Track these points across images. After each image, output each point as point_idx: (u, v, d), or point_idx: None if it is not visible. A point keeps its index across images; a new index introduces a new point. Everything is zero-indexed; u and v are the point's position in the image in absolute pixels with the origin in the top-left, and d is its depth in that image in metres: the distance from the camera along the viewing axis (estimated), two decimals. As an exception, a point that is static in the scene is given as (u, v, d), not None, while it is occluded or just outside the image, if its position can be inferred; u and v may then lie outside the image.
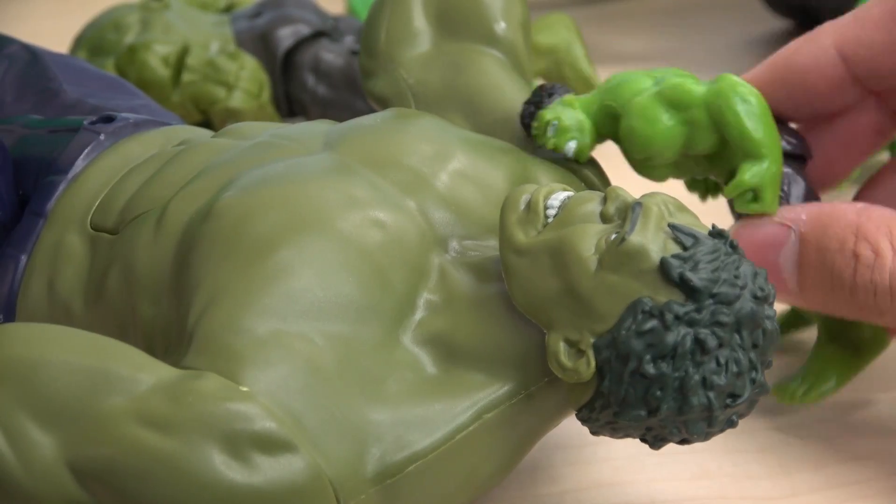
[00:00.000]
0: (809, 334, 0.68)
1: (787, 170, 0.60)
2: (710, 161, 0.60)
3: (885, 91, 0.62)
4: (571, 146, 0.59)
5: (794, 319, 0.69)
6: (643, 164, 0.60)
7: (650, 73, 0.60)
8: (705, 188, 0.65)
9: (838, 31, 0.61)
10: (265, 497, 0.46)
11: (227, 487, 0.46)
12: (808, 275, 0.58)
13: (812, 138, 0.64)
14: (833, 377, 0.63)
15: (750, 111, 0.57)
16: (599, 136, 0.60)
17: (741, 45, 1.12)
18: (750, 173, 0.57)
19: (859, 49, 0.61)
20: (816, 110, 0.63)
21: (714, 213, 0.70)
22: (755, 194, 0.58)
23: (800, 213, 0.58)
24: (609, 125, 0.60)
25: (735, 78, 0.58)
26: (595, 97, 0.60)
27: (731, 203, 0.60)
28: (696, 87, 0.58)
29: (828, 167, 0.64)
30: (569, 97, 0.60)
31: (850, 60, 0.61)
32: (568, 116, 0.59)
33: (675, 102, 0.58)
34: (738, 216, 0.60)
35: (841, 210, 0.57)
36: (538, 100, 0.60)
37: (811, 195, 0.60)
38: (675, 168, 0.60)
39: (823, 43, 0.61)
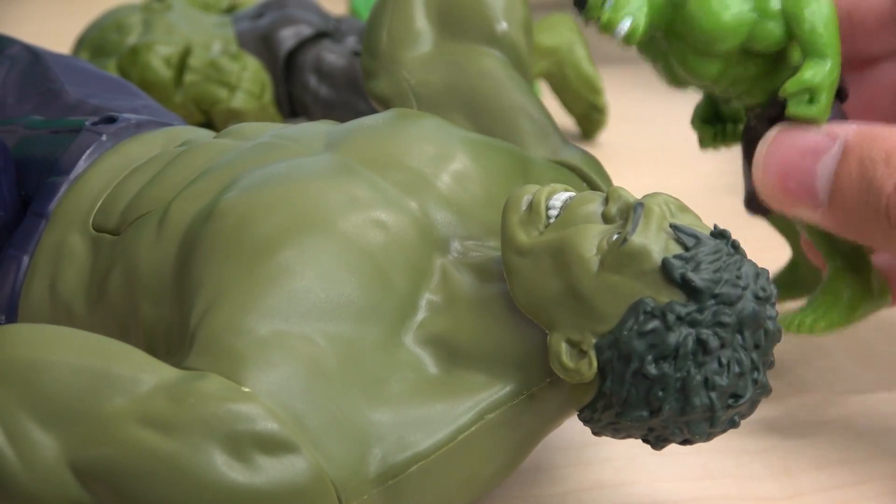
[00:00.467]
0: (810, 338, 0.68)
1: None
2: (758, 74, 0.59)
3: None
4: (626, 24, 0.57)
5: (791, 283, 0.68)
6: (700, 53, 0.58)
7: None
8: (713, 133, 0.64)
9: None
10: (267, 498, 0.46)
11: (229, 488, 0.46)
12: (843, 185, 0.56)
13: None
14: (843, 311, 0.62)
15: (823, 10, 0.57)
16: (650, 26, 0.58)
17: (743, 45, 1.12)
18: (812, 71, 0.57)
19: None
20: (856, 49, 0.62)
21: (716, 213, 0.70)
22: (811, 96, 0.57)
23: (850, 126, 0.57)
24: (665, 13, 0.58)
25: None
26: None
27: (774, 108, 0.59)
28: None
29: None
30: None
31: None
32: None
33: None
34: (768, 120, 0.59)
35: (892, 129, 0.56)
36: None
37: None
38: (726, 65, 0.59)
39: None
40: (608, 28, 0.57)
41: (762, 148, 0.59)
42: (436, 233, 0.54)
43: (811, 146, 0.57)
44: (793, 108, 0.58)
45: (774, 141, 0.59)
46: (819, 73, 0.57)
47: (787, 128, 0.59)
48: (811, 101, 0.57)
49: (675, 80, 0.61)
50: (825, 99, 0.57)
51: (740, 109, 0.63)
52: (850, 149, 0.56)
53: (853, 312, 0.62)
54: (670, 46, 0.59)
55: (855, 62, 0.63)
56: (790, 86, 0.57)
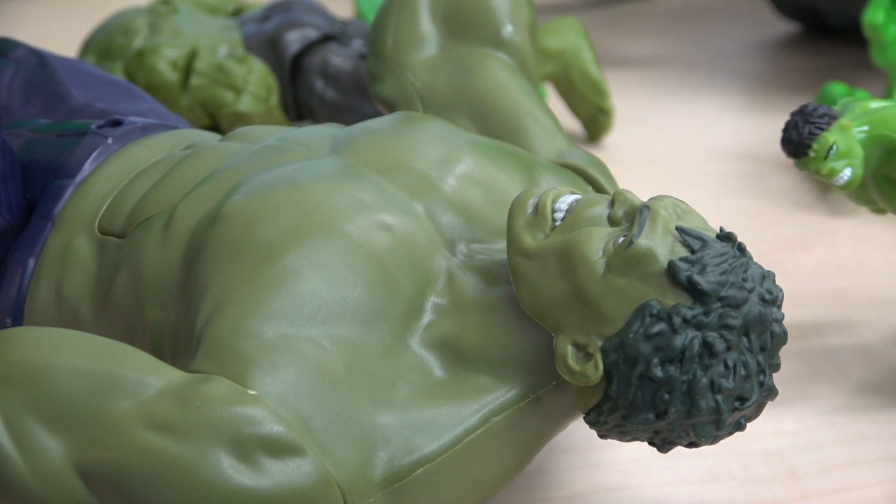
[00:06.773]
0: (816, 342, 0.68)
1: None
2: None
3: None
4: (847, 174, 0.57)
5: None
6: None
7: None
8: None
9: None
10: (273, 501, 0.46)
11: (236, 491, 0.46)
12: None
13: None
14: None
15: None
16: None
17: (749, 48, 1.12)
18: None
19: None
20: None
21: (723, 216, 0.70)
22: None
23: None
24: (880, 157, 0.58)
25: None
26: (865, 125, 0.58)
27: None
28: None
29: None
30: (844, 121, 0.57)
31: None
32: (845, 141, 0.57)
33: None
34: None
35: None
36: (815, 120, 0.57)
37: None
38: None
39: None
40: (829, 177, 0.57)
41: None
42: (442, 236, 0.54)
43: None
44: None
45: None
46: None
47: None
48: None
49: (873, 207, 0.61)
50: None
51: None
52: None
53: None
54: (881, 189, 0.59)
55: None
56: None
